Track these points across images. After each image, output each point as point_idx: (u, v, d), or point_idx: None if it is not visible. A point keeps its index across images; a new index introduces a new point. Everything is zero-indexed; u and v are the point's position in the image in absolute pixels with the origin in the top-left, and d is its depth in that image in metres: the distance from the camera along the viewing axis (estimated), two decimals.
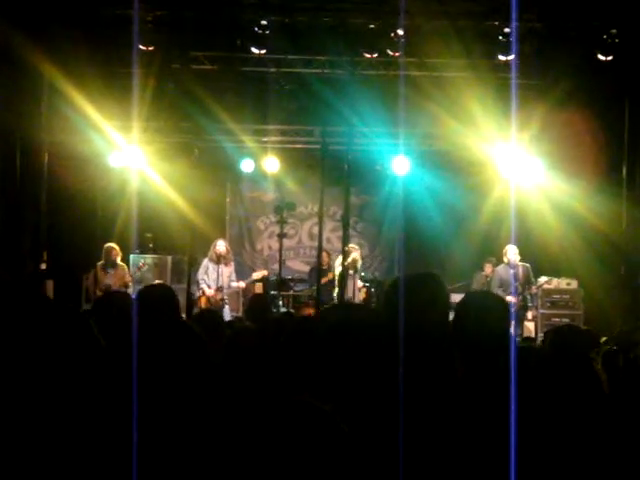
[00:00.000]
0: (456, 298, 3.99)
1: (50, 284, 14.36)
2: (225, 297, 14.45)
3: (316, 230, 15.92)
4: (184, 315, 10.11)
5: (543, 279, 15.22)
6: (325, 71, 15.38)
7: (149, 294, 4.88)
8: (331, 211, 17.47)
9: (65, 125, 14.88)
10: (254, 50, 14.46)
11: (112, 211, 16.08)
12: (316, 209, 17.08)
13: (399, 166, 16.58)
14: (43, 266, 14.43)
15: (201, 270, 14.56)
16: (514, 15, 12.67)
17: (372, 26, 14.17)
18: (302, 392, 3.67)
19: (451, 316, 3.72)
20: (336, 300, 14.18)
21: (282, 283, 15.32)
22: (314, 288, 14.32)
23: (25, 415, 2.80)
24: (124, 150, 15.92)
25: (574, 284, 15.45)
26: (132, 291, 13.45)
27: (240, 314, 14.27)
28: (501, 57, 14.36)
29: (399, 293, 3.53)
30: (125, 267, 14.49)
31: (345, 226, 11.52)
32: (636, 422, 4.06)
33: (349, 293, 13.98)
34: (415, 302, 3.49)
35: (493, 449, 3.03)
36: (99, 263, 14.21)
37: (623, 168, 15.10)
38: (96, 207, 16.41)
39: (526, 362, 3.24)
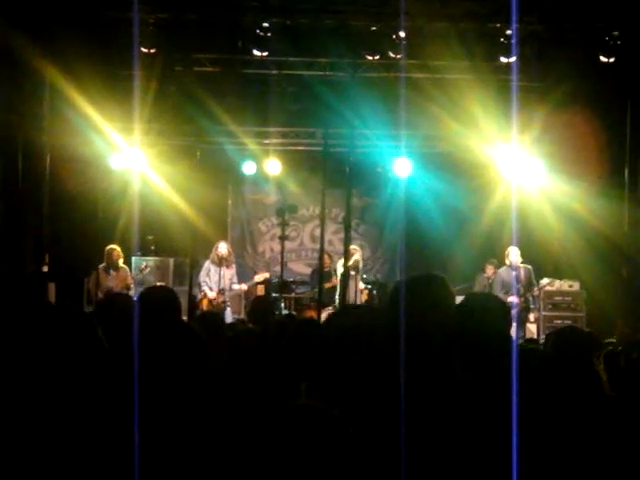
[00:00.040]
0: (458, 300, 3.99)
1: (52, 287, 14.36)
2: (227, 299, 14.46)
3: (318, 232, 15.97)
4: (186, 317, 10.11)
5: (545, 281, 15.21)
6: (327, 73, 15.37)
7: (151, 296, 4.88)
8: (333, 213, 17.48)
9: (67, 127, 14.87)
10: (256, 52, 14.46)
11: (114, 213, 16.10)
12: (318, 211, 17.15)
13: (401, 168, 16.59)
14: (45, 268, 14.42)
15: (203, 272, 14.57)
16: (515, 17, 12.66)
17: (373, 28, 14.17)
18: (302, 394, 3.67)
19: None
20: (337, 302, 14.19)
21: (284, 285, 15.32)
22: (316, 290, 14.32)
23: (30, 415, 2.80)
24: (126, 152, 15.94)
25: (576, 286, 15.44)
26: (134, 293, 13.46)
27: (242, 316, 14.26)
28: (502, 59, 14.35)
29: (400, 295, 3.53)
30: (127, 269, 14.50)
31: (347, 228, 11.51)
32: (637, 423, 4.06)
33: (351, 295, 13.96)
34: (417, 304, 3.48)
35: (495, 450, 3.03)
36: (101, 265, 14.22)
37: (625, 170, 15.08)
38: (98, 209, 16.42)
39: (528, 363, 3.24)
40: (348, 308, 8.90)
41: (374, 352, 3.23)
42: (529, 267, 14.44)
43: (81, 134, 14.97)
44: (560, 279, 15.52)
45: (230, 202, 18.29)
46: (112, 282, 14.00)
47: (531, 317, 15.08)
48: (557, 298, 15.38)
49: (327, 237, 16.55)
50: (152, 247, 16.56)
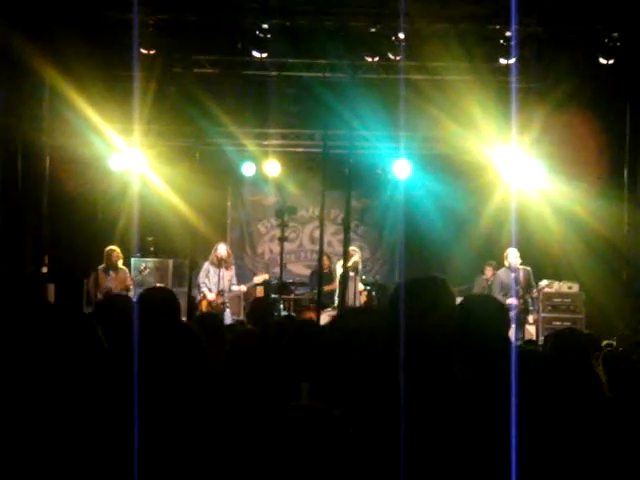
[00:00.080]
0: (458, 302, 3.99)
1: (52, 288, 14.36)
2: (226, 301, 14.46)
3: (317, 234, 15.96)
4: (185, 318, 10.10)
5: (544, 282, 15.20)
6: (326, 74, 15.38)
7: (150, 297, 4.88)
8: (332, 215, 17.48)
9: (66, 128, 14.89)
10: (255, 54, 14.47)
11: (113, 214, 16.10)
12: (317, 213, 17.15)
13: (400, 170, 16.59)
14: (44, 269, 14.43)
15: (202, 273, 14.57)
16: (515, 19, 12.68)
17: (373, 29, 14.17)
18: (302, 394, 3.68)
19: None
20: (337, 304, 14.19)
21: (283, 287, 15.31)
22: (315, 292, 14.33)
23: (30, 414, 2.80)
24: (125, 153, 15.94)
25: (575, 288, 15.43)
26: (133, 294, 13.45)
27: (241, 318, 14.27)
28: (502, 60, 14.36)
29: (399, 297, 3.53)
30: (126, 270, 14.50)
31: (346, 229, 11.49)
32: (637, 424, 4.06)
33: (350, 296, 13.96)
34: (415, 306, 3.49)
35: (494, 451, 3.03)
36: (100, 266, 14.22)
37: (624, 171, 15.09)
38: (97, 210, 16.42)
39: (527, 365, 3.24)
40: (351, 310, 8.92)
41: (375, 354, 3.23)
42: (528, 269, 14.43)
43: (81, 135, 14.98)
44: (559, 281, 15.51)
45: (229, 203, 18.30)
46: (111, 283, 14.00)
47: (530, 319, 15.06)
48: (556, 300, 15.37)
49: (326, 238, 16.56)
50: (151, 248, 16.56)
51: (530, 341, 13.35)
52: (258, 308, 8.92)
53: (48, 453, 2.74)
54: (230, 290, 14.61)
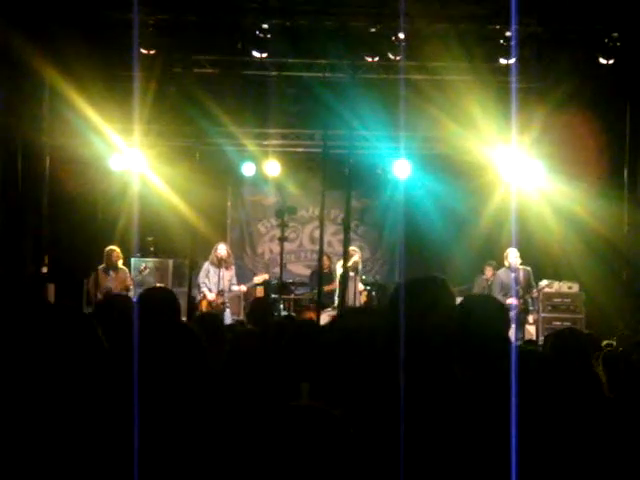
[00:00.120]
0: (458, 301, 3.99)
1: (52, 288, 14.36)
2: (226, 301, 14.46)
3: (317, 234, 15.96)
4: (185, 318, 10.10)
5: (544, 282, 15.20)
6: (326, 75, 15.38)
7: (150, 297, 4.88)
8: (332, 215, 17.48)
9: (66, 128, 14.89)
10: (255, 54, 14.47)
11: (113, 214, 16.09)
12: (317, 213, 17.15)
13: (400, 170, 16.59)
14: (44, 269, 14.43)
15: (202, 273, 14.57)
16: (515, 19, 12.67)
17: (373, 29, 14.17)
18: (302, 394, 3.68)
19: None
20: (336, 303, 14.19)
21: (283, 287, 15.30)
22: (315, 292, 14.33)
23: (30, 414, 2.80)
24: (125, 153, 15.93)
25: (575, 288, 15.43)
26: (133, 294, 13.45)
27: (241, 318, 14.27)
28: (502, 60, 14.36)
29: (399, 297, 3.53)
30: (126, 270, 14.50)
31: (346, 229, 11.49)
32: (637, 424, 4.06)
33: (350, 296, 13.96)
34: (415, 306, 3.48)
35: (494, 451, 3.03)
36: (100, 266, 14.22)
37: (624, 171, 15.09)
38: (97, 210, 16.42)
39: (527, 365, 3.24)
40: (351, 310, 8.92)
41: (375, 354, 3.23)
42: (528, 269, 14.43)
43: (81, 135, 14.98)
44: (559, 281, 15.51)
45: (229, 203, 18.29)
46: (111, 283, 14.00)
47: (530, 319, 15.05)
48: (556, 300, 15.37)
49: (326, 238, 16.55)
50: (151, 248, 16.56)
51: (530, 341, 13.35)
52: (258, 308, 8.92)
53: (48, 452, 2.74)
54: (230, 290, 14.61)
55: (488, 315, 3.73)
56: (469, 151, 15.65)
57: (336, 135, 14.61)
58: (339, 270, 14.02)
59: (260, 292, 15.88)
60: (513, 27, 13.61)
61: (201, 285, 14.52)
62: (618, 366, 5.16)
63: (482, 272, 15.97)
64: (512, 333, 12.93)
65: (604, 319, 14.36)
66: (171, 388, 3.08)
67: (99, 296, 13.47)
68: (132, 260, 15.44)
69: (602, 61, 14.23)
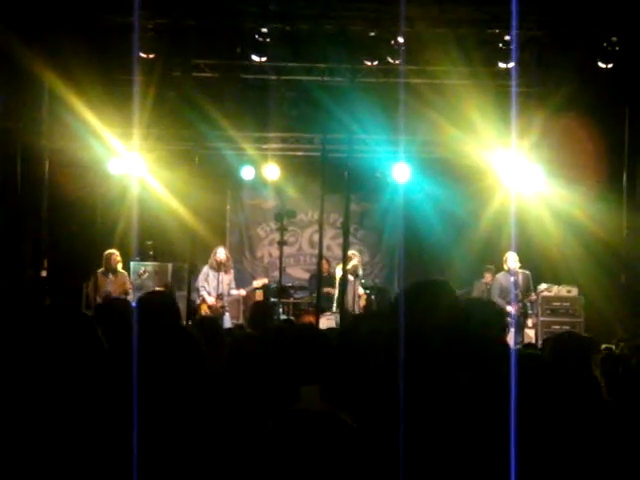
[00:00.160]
0: None
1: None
2: (225, 304, 14.45)
3: (316, 237, 15.94)
4: (184, 322, 10.10)
5: (543, 286, 15.20)
6: (325, 79, 15.38)
7: (150, 301, 4.89)
8: (331, 218, 17.49)
9: (66, 132, 14.88)
10: (255, 58, 14.48)
11: (112, 218, 16.06)
12: (316, 216, 17.11)
13: (399, 173, 16.58)
14: (44, 273, 14.42)
15: (201, 277, 14.56)
16: (514, 23, 12.69)
17: (372, 34, 14.19)
18: (302, 398, 3.68)
19: None
20: (335, 307, 14.20)
21: (282, 291, 15.31)
22: (314, 295, 14.32)
23: (30, 414, 2.80)
24: (124, 157, 15.93)
25: (574, 291, 15.43)
26: (132, 298, 13.45)
27: (240, 321, 14.27)
28: (501, 64, 14.37)
29: (400, 300, 3.53)
30: (125, 274, 14.50)
31: (345, 233, 11.55)
32: (635, 428, 4.06)
33: (349, 300, 13.96)
34: (415, 309, 3.49)
35: (494, 454, 3.04)
36: (99, 270, 14.21)
37: (623, 175, 15.10)
38: (96, 214, 16.38)
39: (526, 368, 3.25)
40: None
41: (386, 358, 3.24)
42: (527, 272, 14.43)
43: (80, 139, 14.97)
44: (558, 284, 15.51)
45: (229, 207, 18.29)
46: (110, 287, 13.99)
47: (529, 322, 15.05)
48: (555, 304, 15.37)
49: (326, 242, 16.54)
50: (151, 252, 16.55)
51: (529, 345, 13.33)
52: (258, 312, 8.93)
53: (49, 452, 2.74)
54: (229, 294, 14.61)
55: (487, 318, 3.74)
56: (468, 155, 15.65)
57: (335, 139, 14.62)
58: (339, 274, 14.02)
59: (259, 296, 15.88)
60: (513, 31, 13.63)
61: (200, 289, 14.51)
62: (617, 370, 5.16)
63: (482, 276, 15.97)
64: (511, 337, 12.94)
65: (603, 323, 14.36)
66: (170, 391, 3.09)
67: (98, 300, 13.46)
68: (131, 264, 15.43)
69: (601, 65, 14.25)
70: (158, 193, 16.40)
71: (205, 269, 14.60)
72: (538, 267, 15.55)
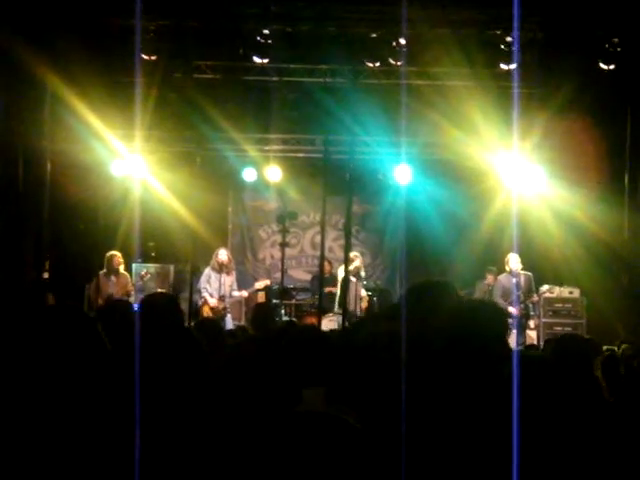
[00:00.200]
0: None
1: (51, 298, 14.33)
2: (227, 306, 14.46)
3: (318, 239, 15.99)
4: (187, 324, 10.10)
5: (545, 288, 15.20)
6: (327, 80, 15.39)
7: (153, 302, 4.89)
8: (333, 220, 17.49)
9: (68, 134, 14.89)
10: (256, 59, 14.49)
11: (114, 220, 16.07)
12: (318, 218, 17.15)
13: (401, 175, 16.56)
14: (45, 275, 14.43)
15: (203, 279, 14.57)
16: (516, 24, 12.70)
17: (374, 35, 14.20)
18: (304, 400, 3.68)
19: None
20: (336, 308, 14.20)
21: (284, 292, 15.32)
22: (316, 297, 14.33)
23: (34, 414, 2.81)
24: (126, 159, 15.94)
25: (576, 293, 15.41)
26: (134, 300, 13.46)
27: (242, 323, 14.27)
28: (503, 66, 14.38)
29: (402, 302, 3.54)
30: (127, 276, 14.51)
31: (347, 235, 11.56)
32: (636, 429, 4.07)
33: (351, 301, 13.96)
34: (417, 310, 3.49)
35: (496, 455, 3.04)
36: (101, 271, 14.22)
37: (625, 176, 15.09)
38: (98, 216, 16.40)
39: (528, 369, 3.25)
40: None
41: (382, 358, 3.24)
42: (529, 274, 14.43)
43: (82, 141, 14.99)
44: (560, 286, 15.50)
45: (230, 209, 18.28)
46: (112, 288, 14.01)
47: (531, 324, 15.06)
48: (557, 305, 15.35)
49: (327, 244, 16.56)
50: (153, 254, 16.57)
51: (531, 346, 13.35)
52: (260, 314, 8.93)
53: (52, 451, 2.75)
54: (231, 295, 14.61)
55: (489, 319, 3.73)
56: (470, 156, 15.65)
57: (337, 140, 14.61)
58: (341, 275, 14.02)
59: (261, 297, 15.89)
60: (514, 32, 13.64)
61: (202, 290, 14.51)
62: (618, 371, 5.16)
63: (483, 278, 15.97)
64: (513, 338, 12.94)
65: (605, 324, 14.35)
66: (172, 392, 3.09)
67: (100, 301, 13.48)
68: (133, 266, 15.44)
69: (603, 66, 14.25)
70: (160, 195, 16.39)
71: (207, 271, 14.61)
72: (540, 268, 15.54)
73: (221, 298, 14.30)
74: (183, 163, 16.19)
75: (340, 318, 12.65)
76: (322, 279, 12.83)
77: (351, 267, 13.47)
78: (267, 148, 17.00)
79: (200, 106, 14.96)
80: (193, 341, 3.41)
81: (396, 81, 15.17)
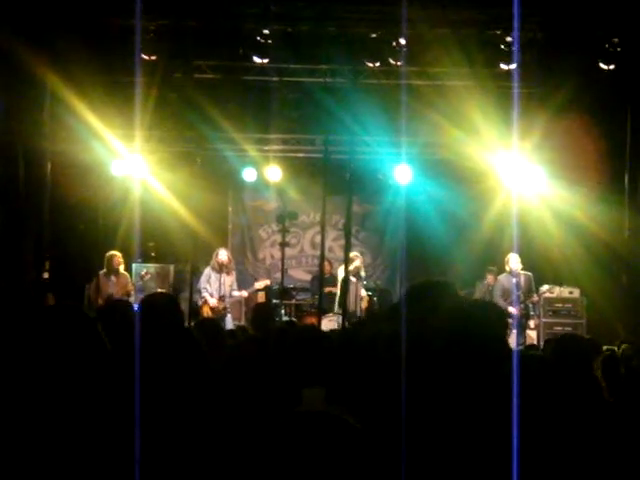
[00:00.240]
0: None
1: (51, 298, 14.34)
2: (227, 306, 14.46)
3: (318, 239, 16.00)
4: (187, 324, 10.10)
5: (545, 288, 15.20)
6: (327, 80, 15.39)
7: (153, 302, 4.89)
8: (333, 220, 17.49)
9: (68, 134, 14.89)
10: (256, 59, 14.50)
11: (114, 220, 16.07)
12: (318, 218, 17.16)
13: (401, 175, 16.57)
14: (45, 275, 14.43)
15: (203, 279, 14.57)
16: (516, 24, 12.71)
17: (374, 35, 14.21)
18: (303, 400, 3.68)
19: None
20: (336, 308, 14.20)
21: (284, 292, 15.32)
22: (316, 297, 14.34)
23: (34, 414, 2.81)
24: (126, 159, 15.93)
25: (576, 293, 15.41)
26: (134, 300, 13.46)
27: (242, 323, 14.27)
28: (503, 66, 14.39)
29: (402, 301, 3.54)
30: (127, 276, 14.51)
31: (347, 235, 11.57)
32: (635, 429, 4.07)
33: (351, 301, 13.96)
34: (417, 310, 3.49)
35: (496, 455, 3.04)
36: (101, 271, 14.22)
37: (625, 176, 15.09)
38: (98, 216, 16.40)
39: (528, 369, 3.25)
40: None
41: (382, 358, 3.24)
42: (529, 274, 14.43)
43: (82, 141, 14.99)
44: (560, 286, 15.50)
45: (230, 209, 18.29)
46: (112, 288, 14.01)
47: (531, 324, 15.06)
48: (557, 305, 15.34)
49: (327, 244, 16.55)
50: (153, 254, 16.57)
51: (531, 346, 13.35)
52: (260, 314, 8.93)
53: (52, 452, 2.75)
54: (231, 295, 14.61)
55: (489, 319, 3.73)
56: (470, 156, 15.65)
57: (337, 140, 14.61)
58: (341, 275, 14.02)
59: (261, 297, 15.89)
60: (514, 32, 13.64)
61: (202, 290, 14.51)
62: (618, 371, 5.16)
63: (483, 278, 15.97)
64: (513, 338, 12.95)
65: (605, 324, 14.35)
66: (172, 392, 3.09)
67: (100, 301, 13.48)
68: (133, 266, 15.44)
69: (603, 66, 14.26)
70: (160, 195, 16.40)
71: (207, 271, 14.61)
72: (540, 268, 15.55)
73: (221, 298, 14.30)
74: (183, 163, 16.19)
75: (340, 318, 12.65)
76: (322, 279, 12.83)
77: (351, 267, 13.47)
78: (267, 148, 17.01)
79: (200, 106, 14.96)
80: (193, 341, 3.41)
81: (396, 81, 15.18)
